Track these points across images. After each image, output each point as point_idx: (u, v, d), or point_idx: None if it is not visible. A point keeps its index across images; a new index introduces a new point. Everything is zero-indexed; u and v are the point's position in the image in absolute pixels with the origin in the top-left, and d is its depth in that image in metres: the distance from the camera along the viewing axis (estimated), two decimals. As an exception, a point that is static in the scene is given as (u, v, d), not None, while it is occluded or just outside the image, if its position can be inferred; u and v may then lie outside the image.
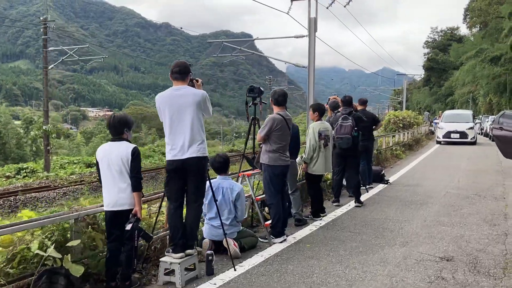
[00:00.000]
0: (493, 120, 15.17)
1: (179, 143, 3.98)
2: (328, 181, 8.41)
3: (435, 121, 32.50)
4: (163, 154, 32.10)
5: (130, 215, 3.87)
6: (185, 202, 4.18)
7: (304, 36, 16.12)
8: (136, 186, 3.88)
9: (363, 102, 9.13)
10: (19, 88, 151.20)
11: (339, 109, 7.67)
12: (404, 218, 6.53)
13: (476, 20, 48.27)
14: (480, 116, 36.13)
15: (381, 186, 9.26)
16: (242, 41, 19.09)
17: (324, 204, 7.15)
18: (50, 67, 21.09)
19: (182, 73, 4.07)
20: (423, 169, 12.23)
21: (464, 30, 70.28)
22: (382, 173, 9.81)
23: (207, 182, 4.40)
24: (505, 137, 12.19)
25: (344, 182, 8.10)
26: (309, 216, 6.44)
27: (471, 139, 20.78)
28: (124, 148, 3.88)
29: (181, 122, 3.98)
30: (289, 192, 6.18)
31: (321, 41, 17.34)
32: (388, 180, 9.77)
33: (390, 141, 15.63)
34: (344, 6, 15.84)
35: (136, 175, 3.88)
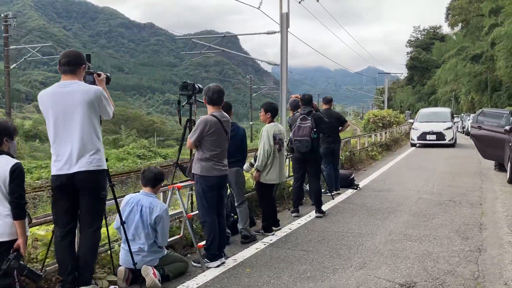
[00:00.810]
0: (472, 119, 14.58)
1: (65, 154, 3.16)
2: (290, 188, 7.65)
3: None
4: (139, 156, 31.12)
5: (12, 250, 3.04)
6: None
7: (276, 32, 15.42)
8: (17, 213, 3.02)
9: (328, 101, 8.39)
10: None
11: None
12: (367, 231, 5.79)
13: (458, 18, 48.20)
14: (462, 114, 35.88)
15: (349, 192, 8.52)
16: (212, 37, 18.33)
17: (283, 215, 6.40)
18: (12, 66, 20.00)
19: (72, 65, 3.25)
20: (397, 171, 11.56)
21: (446, 29, 70.49)
22: (352, 177, 9.08)
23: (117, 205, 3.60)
24: (484, 137, 11.58)
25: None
26: (260, 231, 5.66)
27: (449, 140, 18.66)
28: (1, 165, 3.04)
29: (67, 127, 3.16)
30: (236, 204, 5.41)
31: (299, 40, 16.63)
32: (358, 184, 9.05)
33: (366, 142, 14.96)
34: (317, 1, 15.13)
35: (17, 199, 3.01)
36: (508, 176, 9.76)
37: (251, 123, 48.86)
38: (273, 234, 5.62)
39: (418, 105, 71.50)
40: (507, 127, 10.31)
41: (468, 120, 26.90)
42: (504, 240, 5.37)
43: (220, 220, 4.57)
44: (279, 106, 11.95)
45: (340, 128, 8.39)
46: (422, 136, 18.73)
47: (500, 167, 11.25)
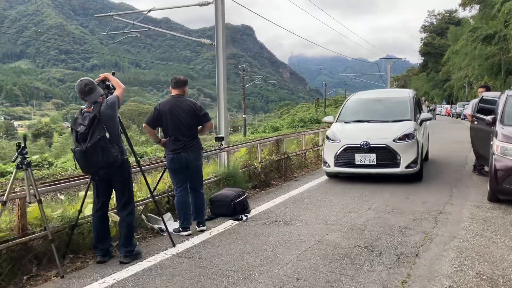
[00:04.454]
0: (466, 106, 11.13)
1: None
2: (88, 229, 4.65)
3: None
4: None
5: None
6: None
7: (209, 3, 12.47)
8: None
9: (177, 84, 5.24)
10: (19, 88, 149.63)
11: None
12: None
13: (469, -4, 43.84)
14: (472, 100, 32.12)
15: (221, 227, 5.40)
16: (135, 14, 15.41)
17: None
18: None
19: None
20: (337, 183, 8.17)
21: (463, 13, 65.89)
22: (238, 200, 5.93)
23: None
24: (477, 131, 8.43)
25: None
26: None
27: (408, 167, 7.65)
28: None
29: None
30: None
31: (241, 5, 13.53)
32: (249, 212, 5.95)
33: (320, 140, 11.68)
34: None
35: None
36: (488, 191, 6.51)
37: (244, 116, 46.01)
38: None
39: (433, 93, 67.35)
40: (489, 118, 7.06)
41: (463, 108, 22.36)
42: None
43: None
44: (216, 92, 8.92)
45: (199, 127, 5.28)
46: (346, 155, 7.98)
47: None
